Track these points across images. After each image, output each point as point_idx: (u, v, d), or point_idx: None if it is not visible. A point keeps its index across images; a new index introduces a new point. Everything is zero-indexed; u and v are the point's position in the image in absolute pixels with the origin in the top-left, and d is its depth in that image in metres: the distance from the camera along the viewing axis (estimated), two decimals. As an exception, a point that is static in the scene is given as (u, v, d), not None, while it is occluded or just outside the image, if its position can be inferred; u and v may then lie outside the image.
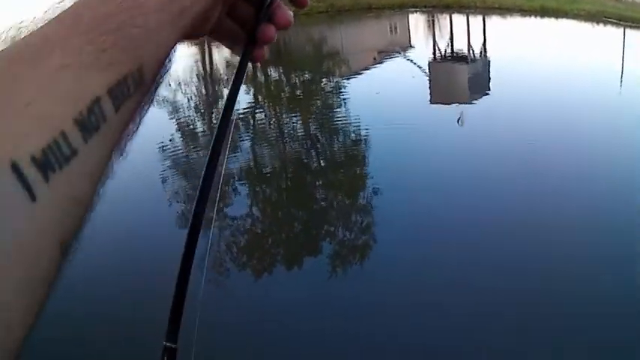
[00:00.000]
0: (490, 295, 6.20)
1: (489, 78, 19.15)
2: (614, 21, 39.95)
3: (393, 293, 6.36)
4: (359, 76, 19.39)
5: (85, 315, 6.08)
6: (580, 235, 7.52)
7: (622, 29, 37.75)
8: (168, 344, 0.82)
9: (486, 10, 39.87)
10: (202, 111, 16.23)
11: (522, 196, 8.79)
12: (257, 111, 15.41)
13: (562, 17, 39.72)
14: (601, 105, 14.18)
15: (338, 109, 14.91)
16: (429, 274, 6.78)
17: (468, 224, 8.06)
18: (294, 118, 14.62)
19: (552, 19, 39.10)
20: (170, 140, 12.71)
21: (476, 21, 37.29)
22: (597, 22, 39.09)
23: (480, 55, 23.71)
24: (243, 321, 5.98)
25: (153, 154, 11.57)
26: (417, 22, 36.78)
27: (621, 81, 17.22)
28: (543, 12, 40.70)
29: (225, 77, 20.59)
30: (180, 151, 12.19)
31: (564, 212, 8.27)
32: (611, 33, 36.94)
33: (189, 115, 15.53)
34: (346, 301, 6.21)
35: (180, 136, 13.63)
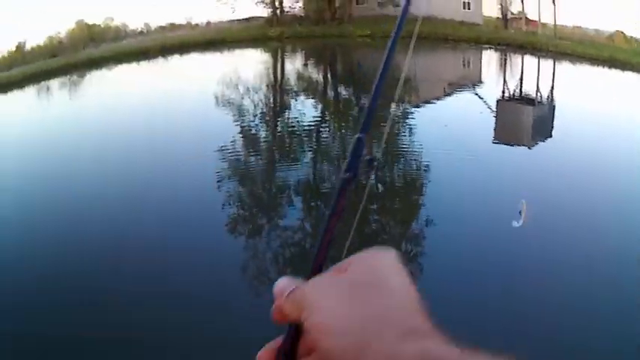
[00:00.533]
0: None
1: (553, 123, 19.57)
2: None
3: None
4: (428, 105, 19.97)
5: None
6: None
7: None
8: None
9: (557, 55, 40.08)
10: (267, 119, 16.75)
11: (566, 247, 8.81)
12: (322, 127, 15.83)
13: (629, 70, 39.63)
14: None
15: (402, 136, 15.35)
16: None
17: (509, 265, 8.07)
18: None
19: (619, 71, 39.07)
20: (232, 142, 13.42)
21: (546, 64, 37.57)
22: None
23: (547, 99, 24.03)
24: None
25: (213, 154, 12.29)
26: (489, 58, 37.09)
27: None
28: (612, 62, 40.71)
29: (294, 88, 21.09)
30: (240, 155, 12.87)
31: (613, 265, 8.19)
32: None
33: (253, 121, 16.16)
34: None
35: (242, 140, 14.30)
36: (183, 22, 43.97)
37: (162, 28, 42.21)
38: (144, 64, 26.07)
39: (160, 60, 26.58)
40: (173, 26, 42.74)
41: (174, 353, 5.72)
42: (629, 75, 37.98)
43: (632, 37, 66.34)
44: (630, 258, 8.27)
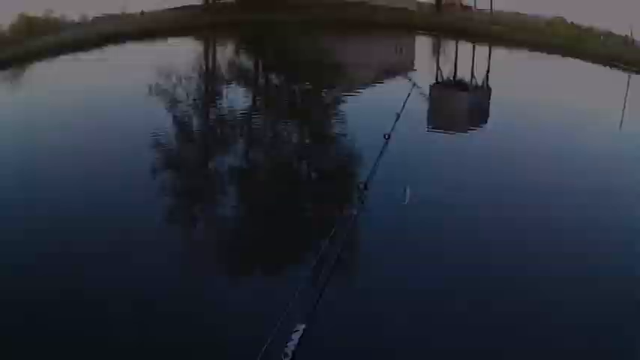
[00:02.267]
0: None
1: (489, 109, 19.14)
2: (623, 66, 40.11)
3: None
4: (361, 91, 19.37)
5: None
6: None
7: (628, 75, 37.98)
8: None
9: (493, 41, 40.04)
10: (198, 107, 16.13)
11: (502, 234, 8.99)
12: (254, 115, 15.35)
13: (569, 56, 39.89)
14: (596, 149, 14.28)
15: (333, 122, 14.91)
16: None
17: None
18: (289, 125, 14.57)
19: (559, 57, 39.26)
20: (163, 132, 12.81)
21: (482, 50, 37.48)
22: (604, 65, 39.26)
23: (482, 85, 23.69)
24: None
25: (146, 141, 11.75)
26: (423, 44, 36.98)
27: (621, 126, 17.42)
28: (549, 48, 40.88)
29: (226, 76, 20.61)
30: (172, 144, 12.31)
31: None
32: (616, 77, 37.15)
33: (186, 110, 15.46)
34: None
35: (174, 128, 13.67)
36: (118, 12, 43.51)
37: (98, 18, 41.79)
38: (81, 55, 25.30)
39: (96, 51, 25.88)
40: (109, 16, 42.33)
41: None
42: (567, 60, 38.22)
43: (572, 22, 67.37)
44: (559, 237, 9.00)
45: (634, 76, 31.85)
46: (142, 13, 42.52)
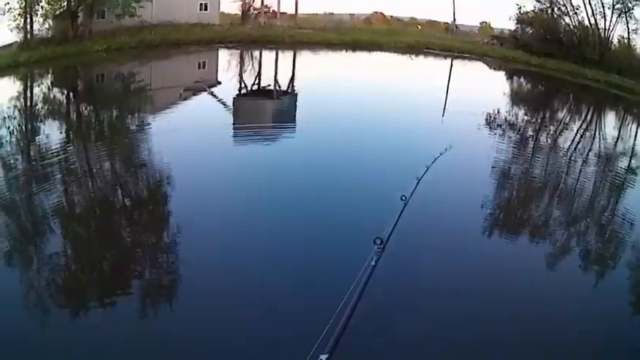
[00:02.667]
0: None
1: (295, 112, 20.23)
2: (437, 52, 42.55)
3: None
4: (163, 111, 19.65)
5: None
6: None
7: (446, 60, 40.44)
8: None
9: (295, 45, 41.37)
10: (18, 146, 15.76)
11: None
12: (69, 150, 15.22)
13: (377, 50, 41.81)
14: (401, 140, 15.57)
15: (141, 145, 15.10)
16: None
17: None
18: (103, 155, 14.48)
19: (366, 52, 41.04)
20: None
21: (285, 56, 38.65)
22: (417, 54, 41.43)
23: (287, 90, 24.61)
24: None
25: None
26: (225, 57, 37.49)
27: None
28: (356, 45, 42.64)
29: (42, 112, 20.29)
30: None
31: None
32: (430, 63, 39.44)
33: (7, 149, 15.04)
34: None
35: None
36: None
37: None
38: None
39: None
40: None
41: None
42: (381, 55, 40.05)
43: (391, 16, 69.94)
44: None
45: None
46: None
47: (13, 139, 15.87)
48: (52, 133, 16.53)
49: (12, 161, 13.52)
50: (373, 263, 5.43)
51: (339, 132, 16.05)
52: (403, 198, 7.31)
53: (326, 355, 3.91)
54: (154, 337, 6.33)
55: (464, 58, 42.42)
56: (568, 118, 23.96)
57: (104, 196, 11.21)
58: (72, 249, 8.63)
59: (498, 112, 21.33)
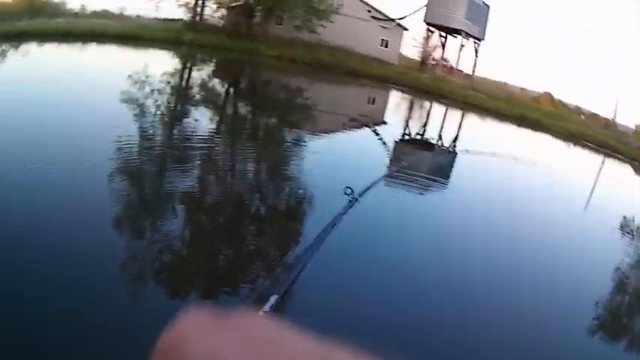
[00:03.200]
0: None
1: (451, 172, 18.85)
2: (592, 146, 40.80)
3: None
4: (323, 134, 18.86)
5: None
6: None
7: (599, 155, 38.59)
8: None
9: (466, 106, 40.17)
10: (163, 123, 15.49)
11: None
12: (216, 140, 14.81)
13: (541, 130, 40.22)
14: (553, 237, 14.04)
15: (291, 159, 14.52)
16: None
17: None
18: (249, 158, 14.03)
19: (529, 130, 39.49)
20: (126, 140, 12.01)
21: (453, 114, 37.52)
22: (575, 144, 39.74)
23: (448, 149, 23.44)
24: None
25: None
26: (396, 99, 36.86)
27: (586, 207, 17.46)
28: (522, 120, 41.16)
29: (196, 96, 20.27)
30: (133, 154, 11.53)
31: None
32: (585, 156, 37.55)
33: (150, 123, 14.86)
34: None
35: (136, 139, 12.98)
36: (116, 11, 45.97)
37: (95, 13, 43.56)
38: (63, 46, 25.25)
39: (78, 45, 25.89)
40: (106, 13, 44.28)
41: None
42: (542, 135, 38.54)
43: (559, 100, 69.00)
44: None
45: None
46: (138, 17, 43.90)
47: (160, 114, 15.76)
48: (202, 120, 16.43)
49: (154, 133, 13.48)
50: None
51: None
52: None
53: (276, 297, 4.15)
54: None
55: (615, 157, 39.93)
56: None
57: (235, 196, 10.71)
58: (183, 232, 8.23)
59: (633, 219, 19.60)
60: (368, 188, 8.08)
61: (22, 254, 6.20)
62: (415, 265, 8.64)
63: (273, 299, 4.15)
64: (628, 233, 17.36)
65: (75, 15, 38.98)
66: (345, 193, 6.50)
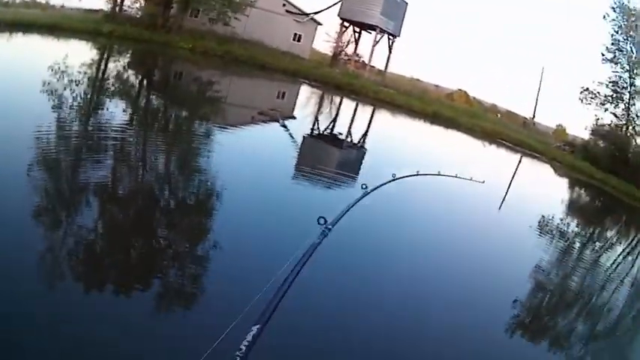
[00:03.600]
0: None
1: (359, 170, 19.13)
2: (509, 144, 41.90)
3: None
4: (231, 128, 19.00)
5: None
6: None
7: (516, 154, 39.74)
8: None
9: (377, 102, 40.82)
10: (79, 115, 15.37)
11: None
12: (127, 131, 14.80)
13: (453, 128, 41.07)
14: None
15: (199, 151, 14.66)
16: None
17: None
18: (160, 147, 14.07)
19: (442, 128, 40.32)
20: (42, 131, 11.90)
21: (366, 109, 38.09)
22: (490, 142, 40.73)
23: (357, 144, 23.82)
24: None
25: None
26: (306, 93, 37.15)
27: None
28: (435, 117, 42.00)
29: (110, 88, 20.16)
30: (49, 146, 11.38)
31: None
32: (499, 154, 38.62)
33: (65, 114, 14.71)
34: None
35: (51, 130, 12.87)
36: (43, 0, 47.32)
37: (25, 2, 44.73)
38: None
39: (6, 35, 25.73)
40: (34, 3, 45.88)
41: None
42: (454, 133, 39.46)
43: (474, 97, 70.23)
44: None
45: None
46: (62, 7, 44.31)
47: (76, 104, 15.61)
48: (116, 111, 16.32)
49: (70, 123, 13.35)
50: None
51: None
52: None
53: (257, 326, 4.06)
54: None
55: (534, 157, 41.79)
56: (615, 238, 22.76)
57: (145, 186, 10.84)
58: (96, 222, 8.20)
59: (552, 217, 20.44)
60: (342, 216, 8.00)
61: None
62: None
63: (255, 329, 4.05)
64: (547, 233, 18.12)
65: (5, 5, 39.39)
66: (319, 223, 6.62)
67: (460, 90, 70.82)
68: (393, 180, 12.68)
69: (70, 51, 26.18)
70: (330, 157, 19.91)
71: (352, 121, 31.31)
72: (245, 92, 30.69)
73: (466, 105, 61.82)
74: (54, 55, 22.77)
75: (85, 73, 20.30)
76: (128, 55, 31.40)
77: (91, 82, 19.51)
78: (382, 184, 12.02)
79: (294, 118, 25.29)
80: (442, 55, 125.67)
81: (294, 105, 31.28)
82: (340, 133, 25.18)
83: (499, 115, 64.95)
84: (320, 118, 28.35)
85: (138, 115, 17.47)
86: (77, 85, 18.00)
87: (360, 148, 23.20)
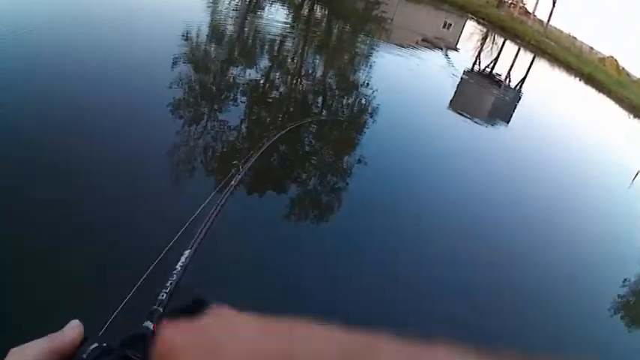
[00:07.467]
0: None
1: (513, 112, 18.76)
2: None
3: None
4: (393, 49, 18.78)
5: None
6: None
7: None
8: None
9: (537, 51, 39.58)
10: (236, 14, 15.55)
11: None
12: (288, 36, 14.88)
13: (603, 93, 39.42)
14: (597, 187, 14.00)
15: (358, 63, 14.65)
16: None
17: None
18: (318, 58, 14.08)
19: (594, 91, 38.78)
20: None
21: (526, 56, 36.98)
22: (634, 116, 38.86)
23: (515, 87, 23.29)
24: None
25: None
26: (471, 29, 36.39)
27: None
28: (589, 79, 40.43)
29: None
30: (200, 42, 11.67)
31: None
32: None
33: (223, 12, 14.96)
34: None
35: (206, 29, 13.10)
36: None
37: None
38: None
39: None
40: None
41: None
42: (603, 98, 37.86)
43: (623, 67, 66.86)
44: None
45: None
46: None
47: (234, 6, 15.84)
48: (276, 16, 16.32)
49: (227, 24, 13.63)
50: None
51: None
52: None
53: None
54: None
55: None
56: None
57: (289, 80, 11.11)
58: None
59: None
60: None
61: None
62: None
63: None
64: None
65: None
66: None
67: (612, 57, 67.42)
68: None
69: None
70: (486, 97, 19.56)
71: (512, 64, 30.46)
72: (411, 17, 30.35)
73: (615, 73, 58.95)
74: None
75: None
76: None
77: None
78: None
79: (457, 50, 24.83)
80: (600, 17, 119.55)
81: (459, 38, 30.62)
82: (499, 75, 24.56)
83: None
84: (482, 55, 27.72)
85: (299, 20, 17.47)
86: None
87: (516, 92, 22.56)
